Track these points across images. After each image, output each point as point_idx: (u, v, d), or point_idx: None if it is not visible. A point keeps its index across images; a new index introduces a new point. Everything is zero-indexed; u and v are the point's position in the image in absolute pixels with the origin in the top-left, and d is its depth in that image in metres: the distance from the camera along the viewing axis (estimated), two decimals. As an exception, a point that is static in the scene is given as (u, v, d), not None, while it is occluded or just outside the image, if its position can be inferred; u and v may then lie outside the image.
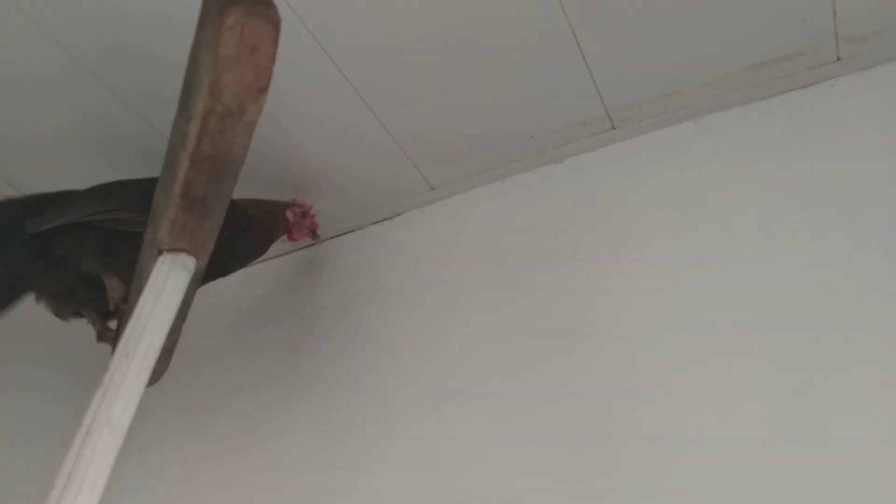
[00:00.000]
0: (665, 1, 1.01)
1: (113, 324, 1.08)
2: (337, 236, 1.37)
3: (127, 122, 1.18)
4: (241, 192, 1.01)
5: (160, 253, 0.92)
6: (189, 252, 0.93)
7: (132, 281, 1.00)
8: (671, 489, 0.92)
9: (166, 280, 0.89)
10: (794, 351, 0.93)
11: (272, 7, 0.77)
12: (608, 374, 1.03)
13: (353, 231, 1.36)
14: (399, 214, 1.33)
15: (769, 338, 0.96)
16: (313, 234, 1.27)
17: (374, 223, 1.34)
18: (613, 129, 1.18)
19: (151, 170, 1.07)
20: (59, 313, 1.12)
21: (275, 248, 1.27)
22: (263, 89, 0.81)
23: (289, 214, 1.23)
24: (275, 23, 0.77)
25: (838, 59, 1.06)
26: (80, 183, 1.11)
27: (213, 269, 1.01)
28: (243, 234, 1.16)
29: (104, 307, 1.05)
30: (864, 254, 0.96)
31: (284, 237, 1.25)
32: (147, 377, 0.84)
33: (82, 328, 1.11)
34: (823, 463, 0.85)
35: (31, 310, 1.09)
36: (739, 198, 1.07)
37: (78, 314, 1.11)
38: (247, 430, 1.25)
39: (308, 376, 1.25)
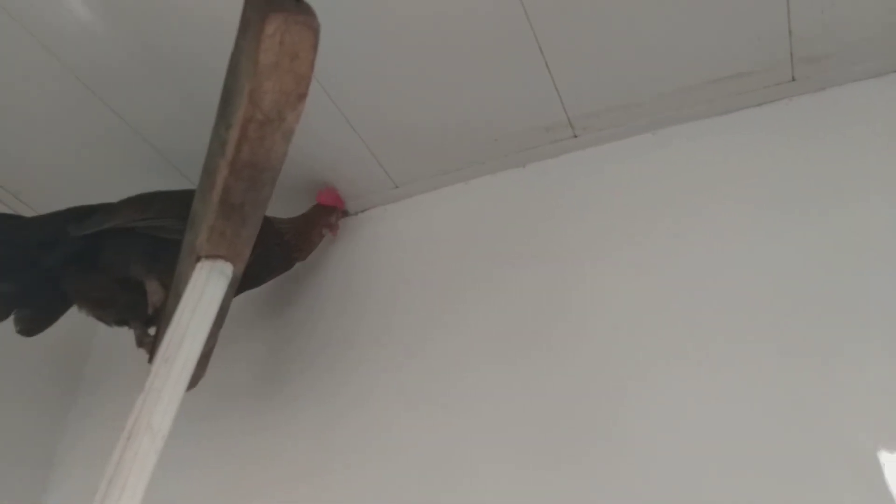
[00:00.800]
0: (626, 15, 1.04)
1: (152, 330, 1.08)
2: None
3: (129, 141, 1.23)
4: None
5: (198, 259, 0.92)
6: (227, 259, 0.93)
7: (171, 286, 1.00)
8: (649, 481, 0.93)
9: (205, 286, 0.89)
10: (738, 354, 0.97)
11: (311, 14, 0.77)
12: (576, 373, 1.05)
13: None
14: (363, 211, 1.35)
15: (718, 336, 0.99)
16: (345, 213, 1.34)
17: (338, 219, 1.35)
18: (575, 136, 1.21)
19: (153, 186, 1.15)
20: (102, 319, 1.12)
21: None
22: (303, 96, 0.81)
23: (325, 232, 1.28)
24: (314, 30, 0.77)
25: (793, 79, 1.10)
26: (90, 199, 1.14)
27: (245, 281, 1.01)
28: (277, 250, 1.19)
29: (144, 313, 1.06)
30: (811, 263, 1.00)
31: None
32: (187, 382, 0.84)
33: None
34: (804, 454, 0.88)
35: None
36: (693, 209, 1.11)
37: (122, 322, 1.12)
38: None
39: (272, 384, 1.25)
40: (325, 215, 1.28)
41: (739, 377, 0.94)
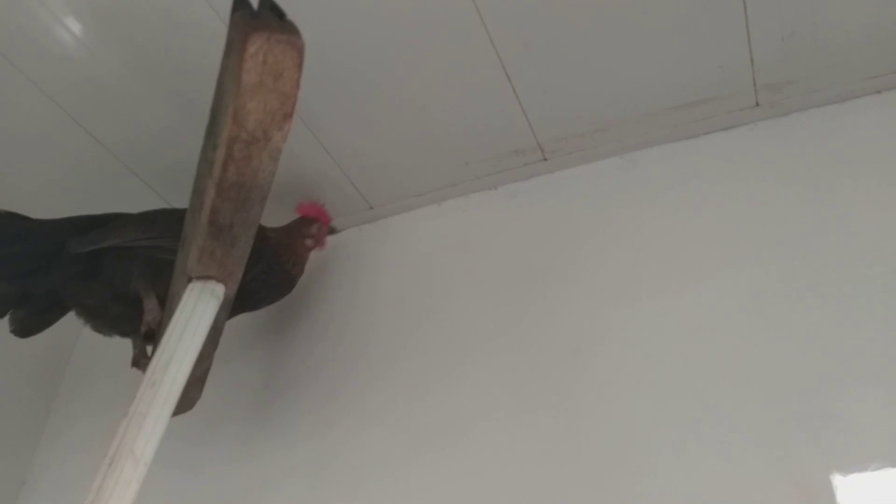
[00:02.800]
0: (590, 43, 1.06)
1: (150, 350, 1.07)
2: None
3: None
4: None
5: (189, 280, 0.91)
6: (218, 279, 0.92)
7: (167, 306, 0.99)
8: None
9: (195, 307, 0.88)
10: (693, 378, 0.98)
11: (296, 33, 0.76)
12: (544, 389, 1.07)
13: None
14: (341, 231, 1.36)
15: (676, 360, 1.01)
16: (332, 230, 1.32)
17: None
18: (545, 159, 1.23)
19: (127, 207, 1.14)
20: (97, 328, 1.12)
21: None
22: (288, 116, 0.80)
23: (308, 243, 1.25)
24: (298, 49, 0.76)
25: (757, 105, 1.12)
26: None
27: (246, 303, 1.00)
28: (277, 269, 1.17)
29: (137, 328, 1.05)
30: (770, 290, 1.01)
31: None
32: (173, 407, 0.82)
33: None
34: (758, 481, 0.89)
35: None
36: (658, 231, 1.13)
37: (124, 333, 1.11)
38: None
39: (262, 409, 1.26)
40: (306, 226, 1.26)
41: (697, 404, 0.95)
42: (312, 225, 1.26)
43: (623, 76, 1.10)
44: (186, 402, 1.10)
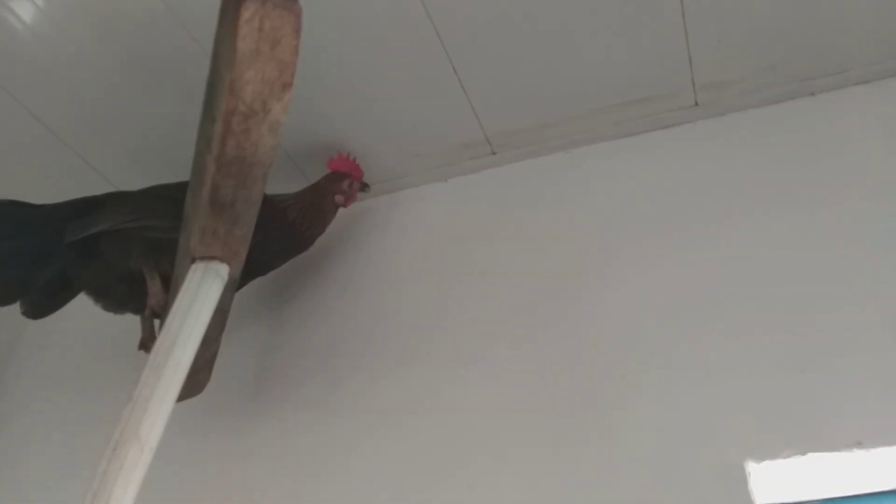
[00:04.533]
0: (534, 40, 1.09)
1: None
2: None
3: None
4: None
5: (193, 261, 0.88)
6: (221, 259, 0.88)
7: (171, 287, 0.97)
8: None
9: (198, 289, 0.85)
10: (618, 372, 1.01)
11: None
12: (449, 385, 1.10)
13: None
14: (368, 189, 1.34)
15: (608, 348, 1.04)
16: (363, 187, 1.25)
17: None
18: (494, 153, 1.26)
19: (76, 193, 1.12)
20: (108, 308, 1.12)
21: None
22: (287, 85, 0.76)
23: (338, 200, 1.21)
24: (296, 13, 0.72)
25: (696, 104, 1.16)
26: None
27: (249, 270, 0.98)
28: (278, 234, 1.14)
29: (141, 306, 1.05)
30: (702, 283, 1.05)
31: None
32: (178, 390, 0.79)
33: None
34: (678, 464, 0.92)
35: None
36: (601, 224, 1.16)
37: (136, 311, 1.10)
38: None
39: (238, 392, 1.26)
40: (337, 181, 1.21)
41: (622, 389, 0.99)
42: (344, 180, 1.22)
43: (568, 74, 1.13)
44: (195, 385, 1.08)
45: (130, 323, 1.13)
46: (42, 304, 1.13)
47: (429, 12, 1.05)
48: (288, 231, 1.17)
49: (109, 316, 1.14)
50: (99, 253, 1.07)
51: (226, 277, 0.90)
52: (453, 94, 1.16)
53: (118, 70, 1.15)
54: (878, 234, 1.00)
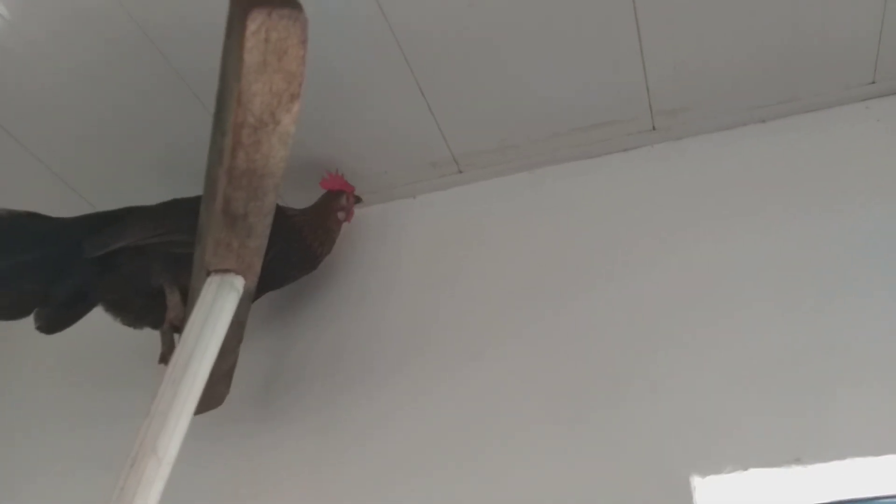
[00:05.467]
0: (499, 65, 1.12)
1: None
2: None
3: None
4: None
5: (208, 274, 0.88)
6: (237, 272, 0.89)
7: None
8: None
9: (214, 301, 0.86)
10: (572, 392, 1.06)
11: (298, 7, 0.72)
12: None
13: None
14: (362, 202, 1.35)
15: (563, 363, 1.08)
16: (357, 200, 1.28)
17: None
18: (460, 172, 1.29)
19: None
20: (127, 322, 1.12)
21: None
22: (295, 96, 0.76)
23: (340, 216, 1.24)
24: (302, 23, 0.72)
25: (654, 129, 1.20)
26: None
27: (265, 282, 0.99)
28: (296, 246, 1.17)
29: (160, 321, 1.05)
30: (655, 302, 1.10)
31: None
32: (195, 404, 0.80)
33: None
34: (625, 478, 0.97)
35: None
36: (561, 242, 1.21)
37: (155, 326, 1.10)
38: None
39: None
40: (335, 199, 1.24)
41: (577, 403, 1.04)
42: (341, 197, 1.24)
43: (531, 99, 1.17)
44: (214, 398, 1.08)
45: (151, 335, 1.14)
46: (57, 318, 1.13)
47: (397, 39, 1.08)
48: (304, 248, 1.19)
49: (129, 329, 1.15)
50: (117, 267, 1.08)
51: (241, 290, 0.90)
52: (421, 115, 1.19)
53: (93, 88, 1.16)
54: (823, 257, 1.05)
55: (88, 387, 1.36)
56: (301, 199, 1.28)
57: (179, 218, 1.09)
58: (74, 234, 1.08)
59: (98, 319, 1.15)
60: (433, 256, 1.28)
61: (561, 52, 1.10)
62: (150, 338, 1.12)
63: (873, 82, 1.13)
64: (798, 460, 0.92)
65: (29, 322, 1.12)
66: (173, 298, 1.04)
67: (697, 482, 0.93)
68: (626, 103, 1.17)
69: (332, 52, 1.10)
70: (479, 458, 1.06)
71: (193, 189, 1.11)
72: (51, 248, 1.07)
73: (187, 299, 1.01)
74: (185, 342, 0.82)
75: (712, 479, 0.93)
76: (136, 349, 1.23)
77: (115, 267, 1.08)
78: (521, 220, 1.26)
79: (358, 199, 1.28)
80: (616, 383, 1.03)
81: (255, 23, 0.70)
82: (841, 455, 0.91)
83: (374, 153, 1.27)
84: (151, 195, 1.17)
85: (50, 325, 1.12)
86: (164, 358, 1.06)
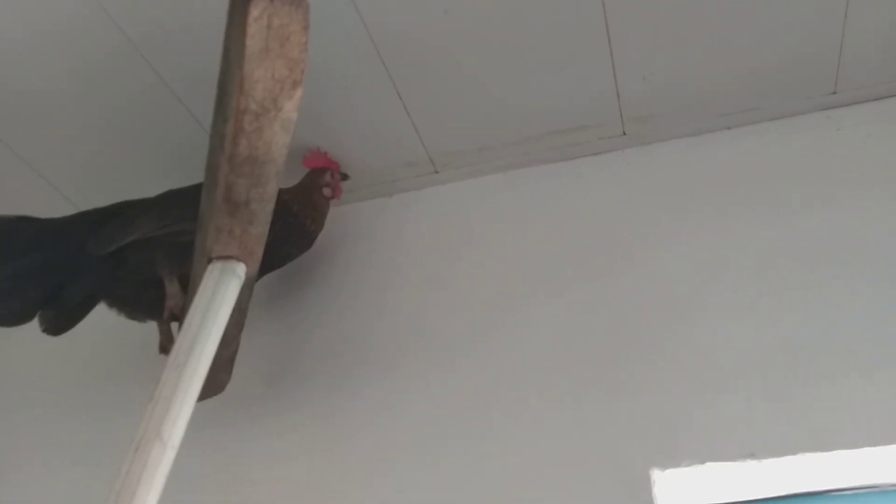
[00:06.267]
0: (474, 69, 1.16)
1: None
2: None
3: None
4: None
5: (209, 261, 0.88)
6: (238, 258, 0.89)
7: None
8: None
9: (216, 288, 0.86)
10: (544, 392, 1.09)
11: None
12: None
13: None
14: (348, 179, 1.36)
15: (531, 359, 1.12)
16: (344, 176, 1.29)
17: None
18: (436, 172, 1.32)
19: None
20: (132, 316, 1.12)
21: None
22: (298, 83, 0.76)
23: (326, 192, 1.24)
24: (304, 8, 0.72)
25: (624, 134, 1.24)
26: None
27: (266, 263, 1.00)
28: (292, 223, 1.16)
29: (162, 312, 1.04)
30: (622, 303, 1.14)
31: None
32: (198, 389, 0.80)
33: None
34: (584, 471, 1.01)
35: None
36: (533, 243, 1.24)
37: (157, 318, 1.10)
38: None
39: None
40: (319, 176, 1.24)
41: (540, 398, 1.08)
42: (325, 174, 1.25)
43: (506, 103, 1.21)
44: (216, 385, 1.08)
45: (149, 324, 1.15)
46: (62, 319, 1.12)
47: (374, 41, 1.10)
48: (298, 226, 1.19)
49: (125, 320, 1.15)
50: (124, 262, 1.07)
51: (243, 276, 0.91)
52: (398, 117, 1.22)
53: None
54: (784, 260, 1.10)
55: (87, 377, 1.37)
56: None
57: (184, 207, 1.08)
58: (73, 234, 1.07)
59: (95, 312, 1.15)
60: (409, 254, 1.31)
61: (534, 59, 1.14)
62: (149, 328, 1.14)
63: (834, 93, 1.17)
64: (752, 455, 0.96)
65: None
66: (172, 287, 1.04)
67: (657, 475, 0.97)
68: (597, 109, 1.21)
69: (309, 52, 1.12)
70: (439, 458, 1.09)
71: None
72: (50, 252, 1.06)
73: (188, 287, 1.01)
74: (187, 328, 0.83)
75: (671, 473, 0.97)
76: (135, 340, 1.24)
77: (123, 262, 1.07)
78: (496, 220, 1.29)
79: (345, 176, 1.29)
80: (581, 381, 1.07)
81: (258, 9, 0.70)
82: (793, 451, 0.95)
83: (351, 152, 1.29)
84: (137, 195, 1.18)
85: (56, 326, 1.12)
86: (164, 348, 1.07)
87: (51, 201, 1.31)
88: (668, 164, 1.24)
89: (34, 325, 1.11)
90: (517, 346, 1.14)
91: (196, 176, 1.09)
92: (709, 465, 0.97)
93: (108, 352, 1.35)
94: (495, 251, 1.26)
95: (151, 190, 1.15)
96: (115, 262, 1.07)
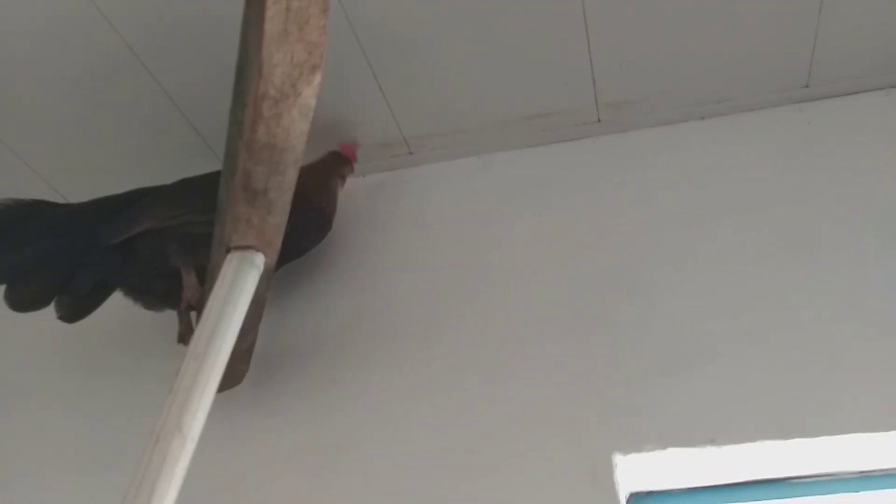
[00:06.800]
0: (452, 50, 1.15)
1: None
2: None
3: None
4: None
5: (228, 251, 0.87)
6: (257, 248, 0.88)
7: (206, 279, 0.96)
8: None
9: (234, 278, 0.85)
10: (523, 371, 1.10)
11: None
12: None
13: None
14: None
15: (499, 344, 1.13)
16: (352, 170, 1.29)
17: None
18: (411, 154, 1.32)
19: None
20: (148, 306, 1.11)
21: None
22: (317, 67, 0.74)
23: (342, 183, 1.24)
24: None
25: (599, 121, 1.24)
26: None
27: (289, 253, 1.00)
28: (311, 216, 1.15)
29: (179, 301, 1.04)
30: (589, 288, 1.14)
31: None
32: (217, 381, 0.79)
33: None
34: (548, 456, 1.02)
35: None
36: (505, 226, 1.24)
37: (175, 307, 1.08)
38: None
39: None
40: (342, 166, 1.24)
41: (506, 386, 1.08)
42: (347, 166, 1.26)
43: (481, 86, 1.20)
44: (234, 376, 1.07)
45: (166, 313, 1.14)
46: (78, 306, 1.11)
47: (350, 20, 1.10)
48: (317, 211, 1.18)
49: (142, 309, 1.14)
50: (136, 251, 1.06)
51: (261, 266, 0.90)
52: (373, 97, 1.22)
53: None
54: (747, 253, 1.11)
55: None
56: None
57: (193, 197, 1.08)
58: (86, 220, 1.07)
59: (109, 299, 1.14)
60: (381, 235, 1.31)
61: (511, 43, 1.14)
62: (167, 318, 1.13)
63: (807, 86, 1.18)
64: (713, 441, 0.98)
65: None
66: (189, 279, 1.04)
67: (619, 459, 0.99)
68: (573, 95, 1.21)
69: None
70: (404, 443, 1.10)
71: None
72: (63, 237, 1.06)
73: (205, 277, 1.00)
74: (206, 319, 0.82)
75: (633, 457, 0.99)
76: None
77: (134, 251, 1.07)
78: (469, 202, 1.29)
79: (351, 171, 1.29)
80: (544, 364, 1.08)
81: None
82: (753, 438, 0.97)
83: (325, 132, 1.28)
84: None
85: (72, 313, 1.11)
86: (183, 338, 1.07)
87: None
88: (641, 151, 1.24)
89: (47, 313, 1.10)
90: (483, 329, 1.14)
91: (184, 173, 1.14)
92: (670, 450, 0.98)
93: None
94: (467, 234, 1.26)
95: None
96: (126, 252, 1.06)
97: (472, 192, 1.30)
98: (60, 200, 1.31)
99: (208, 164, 1.30)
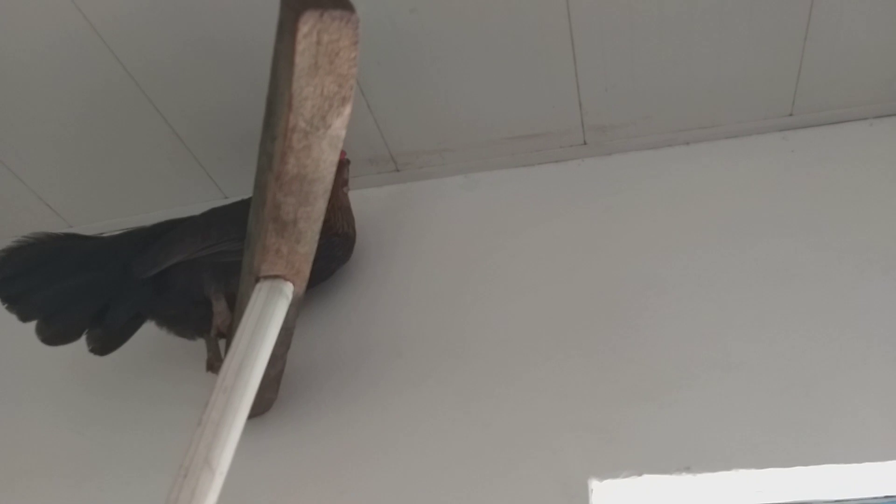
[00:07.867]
0: (440, 70, 1.16)
1: None
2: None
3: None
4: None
5: (257, 280, 0.87)
6: (286, 278, 0.88)
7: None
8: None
9: (264, 308, 0.85)
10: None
11: (350, 8, 0.71)
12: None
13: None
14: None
15: (479, 364, 1.12)
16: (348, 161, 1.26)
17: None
18: (397, 170, 1.32)
19: None
20: (182, 334, 1.11)
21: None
22: (346, 99, 0.75)
23: (346, 189, 1.22)
24: (354, 24, 0.71)
25: (585, 143, 1.25)
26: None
27: (315, 278, 0.99)
28: (337, 239, 1.16)
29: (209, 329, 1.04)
30: (572, 310, 1.14)
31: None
32: (246, 412, 0.78)
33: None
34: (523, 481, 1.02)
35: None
36: (491, 246, 1.24)
37: (205, 335, 1.09)
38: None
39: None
40: (338, 173, 1.17)
41: (482, 408, 1.08)
42: (344, 169, 1.22)
43: (469, 105, 1.21)
44: (262, 403, 1.07)
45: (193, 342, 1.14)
46: (108, 339, 1.12)
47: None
48: (341, 236, 1.17)
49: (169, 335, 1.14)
50: (171, 283, 1.07)
51: (290, 296, 0.90)
52: (360, 113, 1.22)
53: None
54: (728, 279, 1.11)
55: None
56: (241, 183, 1.29)
57: (224, 227, 1.08)
58: (119, 254, 1.07)
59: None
60: (365, 251, 1.30)
61: (499, 65, 1.14)
62: (193, 345, 1.14)
63: (791, 115, 1.19)
64: (688, 469, 0.98)
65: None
66: (219, 305, 1.04)
67: (595, 485, 0.98)
68: (559, 117, 1.21)
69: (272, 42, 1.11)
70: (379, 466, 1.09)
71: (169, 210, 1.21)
72: (97, 272, 1.06)
73: (235, 305, 1.01)
74: (235, 349, 0.81)
75: (609, 483, 0.98)
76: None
77: (166, 283, 1.07)
78: (454, 221, 1.29)
79: (348, 162, 1.26)
80: (523, 388, 1.08)
81: (307, 25, 0.69)
82: (728, 466, 0.97)
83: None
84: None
85: (103, 346, 1.12)
86: (212, 365, 1.07)
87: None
88: (626, 174, 1.25)
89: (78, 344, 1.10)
90: (462, 350, 1.14)
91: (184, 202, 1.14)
92: (646, 476, 0.98)
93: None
94: (451, 252, 1.26)
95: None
96: (160, 284, 1.07)
97: (457, 210, 1.30)
98: (64, 227, 1.33)
99: (208, 193, 1.34)
